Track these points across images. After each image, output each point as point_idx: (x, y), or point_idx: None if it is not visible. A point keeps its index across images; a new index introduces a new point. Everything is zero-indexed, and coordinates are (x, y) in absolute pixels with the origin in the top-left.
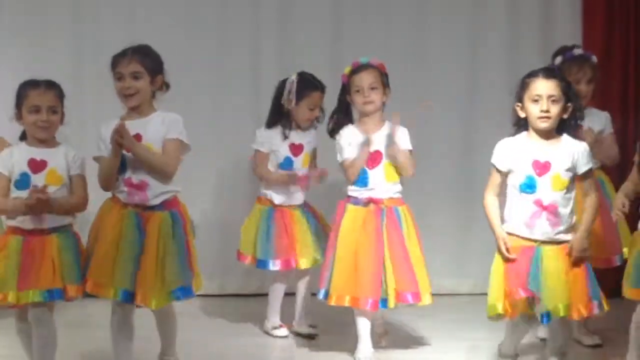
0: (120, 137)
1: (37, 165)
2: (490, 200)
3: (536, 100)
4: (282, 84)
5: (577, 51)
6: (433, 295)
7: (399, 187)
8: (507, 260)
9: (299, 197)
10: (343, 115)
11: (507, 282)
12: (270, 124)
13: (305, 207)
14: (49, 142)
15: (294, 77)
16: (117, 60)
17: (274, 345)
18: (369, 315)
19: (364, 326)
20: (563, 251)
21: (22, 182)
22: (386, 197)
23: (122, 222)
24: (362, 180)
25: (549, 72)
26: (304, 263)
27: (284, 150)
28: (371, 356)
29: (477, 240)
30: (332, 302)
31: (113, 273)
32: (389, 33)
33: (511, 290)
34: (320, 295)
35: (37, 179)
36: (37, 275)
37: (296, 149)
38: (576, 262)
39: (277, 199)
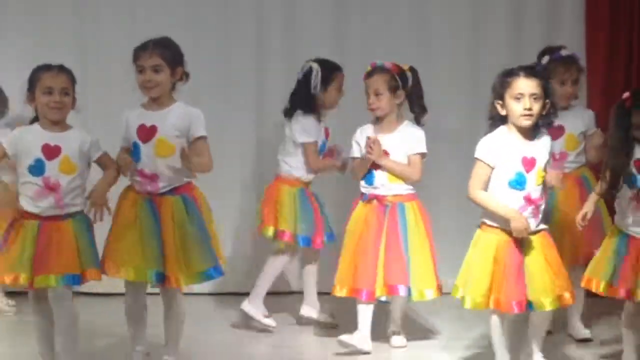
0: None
1: (51, 151)
2: (481, 193)
3: (518, 99)
4: (308, 75)
5: (565, 52)
6: None
7: (405, 186)
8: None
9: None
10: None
11: (498, 288)
12: (308, 113)
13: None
14: (61, 124)
15: (316, 66)
16: (138, 53)
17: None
18: (368, 306)
19: (362, 314)
20: (543, 239)
21: (37, 168)
22: (390, 194)
23: (136, 208)
24: (368, 179)
25: (530, 71)
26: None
27: (322, 137)
28: (365, 344)
29: None
30: (335, 292)
31: (139, 256)
32: (391, 31)
33: (504, 301)
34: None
35: (51, 166)
36: (56, 260)
37: (327, 133)
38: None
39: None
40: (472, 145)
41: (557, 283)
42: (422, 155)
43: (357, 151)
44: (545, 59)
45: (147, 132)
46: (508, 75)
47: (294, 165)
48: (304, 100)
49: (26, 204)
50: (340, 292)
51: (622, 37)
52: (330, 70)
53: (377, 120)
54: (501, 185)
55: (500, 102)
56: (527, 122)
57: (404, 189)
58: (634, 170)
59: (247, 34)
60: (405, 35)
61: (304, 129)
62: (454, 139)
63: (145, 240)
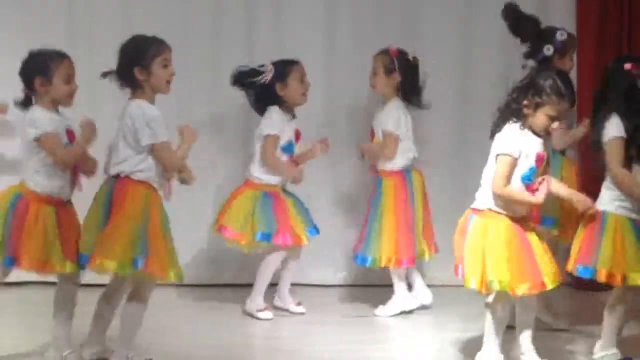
0: None
1: None
2: (509, 187)
3: (552, 118)
4: (253, 73)
5: (561, 37)
6: (429, 286)
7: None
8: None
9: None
10: None
11: (521, 271)
12: (272, 105)
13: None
14: None
15: (269, 65)
16: (160, 47)
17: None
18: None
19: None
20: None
21: None
22: (380, 169)
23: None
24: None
25: (574, 99)
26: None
27: (289, 135)
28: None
29: None
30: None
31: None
32: (381, 25)
33: (533, 281)
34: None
35: None
36: (74, 245)
37: (298, 134)
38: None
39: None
40: (461, 139)
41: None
42: (392, 134)
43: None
44: (549, 50)
45: None
46: (555, 92)
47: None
48: (264, 95)
49: (46, 188)
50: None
51: (612, 22)
52: (284, 64)
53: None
54: (514, 180)
55: (528, 102)
56: (547, 135)
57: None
58: None
59: (239, 27)
60: (395, 29)
61: (268, 121)
62: (445, 134)
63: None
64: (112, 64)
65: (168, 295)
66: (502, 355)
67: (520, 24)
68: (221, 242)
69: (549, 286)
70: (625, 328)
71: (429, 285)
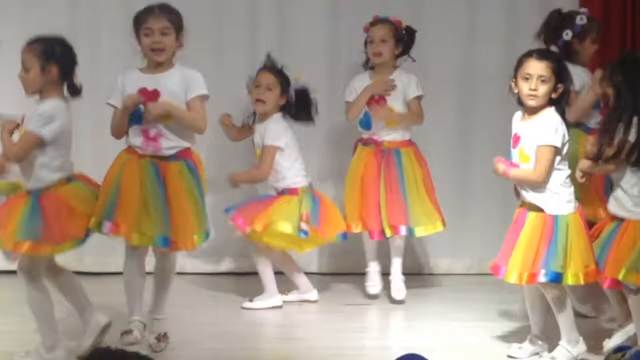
0: (149, 115)
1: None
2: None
3: (527, 79)
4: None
5: (580, 21)
6: (429, 275)
7: (402, 132)
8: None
9: None
10: None
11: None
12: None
13: None
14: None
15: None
16: (145, 17)
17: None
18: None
19: (370, 253)
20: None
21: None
22: (387, 139)
23: (142, 173)
24: (366, 124)
25: (542, 53)
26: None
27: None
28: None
29: (473, 221)
30: (352, 230)
31: (145, 221)
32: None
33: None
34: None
35: None
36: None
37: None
38: None
39: None
40: (464, 127)
41: None
42: (420, 97)
43: (351, 96)
44: (568, 34)
45: (149, 96)
46: (523, 56)
47: None
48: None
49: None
50: (356, 228)
51: (616, 6)
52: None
53: (374, 69)
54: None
55: (514, 80)
56: (531, 102)
57: (400, 135)
58: None
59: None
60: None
61: None
62: (447, 122)
63: (151, 204)
64: (114, 52)
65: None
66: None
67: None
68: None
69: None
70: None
71: (430, 274)
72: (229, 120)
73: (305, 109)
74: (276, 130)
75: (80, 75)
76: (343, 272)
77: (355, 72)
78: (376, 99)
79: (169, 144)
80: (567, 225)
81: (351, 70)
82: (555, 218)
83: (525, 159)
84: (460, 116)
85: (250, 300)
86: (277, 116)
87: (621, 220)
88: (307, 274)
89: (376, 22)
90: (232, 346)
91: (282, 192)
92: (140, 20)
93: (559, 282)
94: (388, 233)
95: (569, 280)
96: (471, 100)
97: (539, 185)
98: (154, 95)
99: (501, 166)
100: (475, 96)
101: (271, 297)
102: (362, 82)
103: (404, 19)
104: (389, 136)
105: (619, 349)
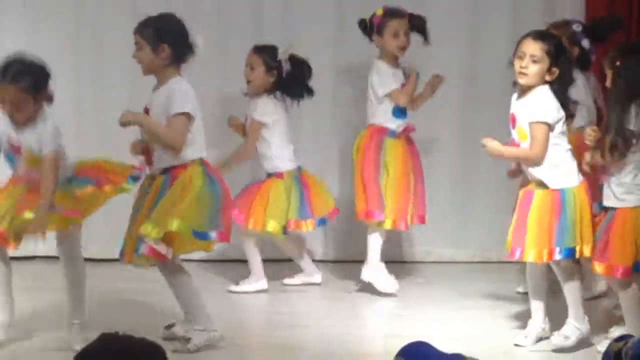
0: (123, 125)
1: None
2: None
3: (520, 57)
4: None
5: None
6: (432, 263)
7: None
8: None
9: None
10: None
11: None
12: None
13: None
14: None
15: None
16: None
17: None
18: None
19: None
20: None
21: None
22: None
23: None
24: (401, 112)
25: (539, 34)
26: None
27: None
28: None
29: (477, 210)
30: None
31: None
32: None
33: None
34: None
35: None
36: None
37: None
38: None
39: None
40: (467, 115)
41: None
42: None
43: (391, 84)
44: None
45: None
46: (522, 36)
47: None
48: None
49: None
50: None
51: (620, 4)
52: None
53: (385, 58)
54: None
55: (513, 59)
56: (521, 80)
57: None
58: None
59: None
60: None
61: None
62: (450, 109)
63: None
64: (118, 51)
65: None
66: None
67: None
68: None
69: None
70: None
71: (434, 262)
72: (236, 120)
73: (298, 82)
74: (263, 107)
75: (84, 78)
76: (348, 259)
77: (360, 67)
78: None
79: (160, 161)
80: (574, 197)
81: (356, 65)
82: (561, 192)
83: (524, 136)
84: (465, 107)
85: (237, 284)
86: (265, 95)
87: (614, 210)
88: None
89: (396, 14)
90: (237, 334)
91: (269, 175)
92: None
93: (573, 256)
94: (411, 222)
95: (585, 252)
96: (476, 92)
97: (537, 162)
98: (147, 112)
99: (494, 145)
100: (481, 87)
101: (258, 280)
102: (390, 69)
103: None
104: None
105: (621, 338)
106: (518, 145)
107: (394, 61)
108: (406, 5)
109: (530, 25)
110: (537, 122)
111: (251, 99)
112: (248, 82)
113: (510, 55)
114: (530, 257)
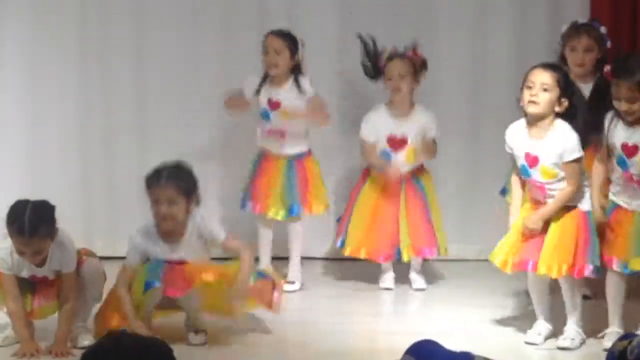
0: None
1: None
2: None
3: (529, 87)
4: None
5: (582, 21)
6: (439, 261)
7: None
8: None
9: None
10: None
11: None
12: None
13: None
14: None
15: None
16: (149, 183)
17: None
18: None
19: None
20: None
21: None
22: (405, 171)
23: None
24: (386, 156)
25: (547, 65)
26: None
27: (261, 103)
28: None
29: (483, 207)
30: (347, 253)
31: None
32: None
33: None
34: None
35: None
36: None
37: (271, 104)
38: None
39: None
40: (474, 115)
41: None
42: (434, 140)
43: (371, 135)
44: (563, 28)
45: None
46: (530, 69)
47: None
48: None
49: None
50: (355, 253)
51: (626, 4)
52: None
53: (391, 102)
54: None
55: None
56: (531, 109)
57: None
58: (623, 153)
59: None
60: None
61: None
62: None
63: None
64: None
65: None
66: None
67: None
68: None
69: None
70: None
71: (441, 260)
72: (233, 93)
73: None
74: (306, 85)
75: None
76: (354, 257)
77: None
78: (397, 140)
79: None
80: (593, 219)
81: (360, 74)
82: (588, 214)
83: (550, 175)
84: (471, 104)
85: None
86: (292, 78)
87: None
88: (317, 259)
89: (395, 56)
90: (246, 329)
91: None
92: (148, 186)
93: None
94: (406, 256)
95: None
96: (482, 88)
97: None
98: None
99: (536, 219)
100: (486, 86)
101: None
102: (380, 117)
103: (413, 17)
104: (406, 167)
105: (625, 337)
106: (538, 183)
107: (392, 103)
108: (412, 6)
109: (536, 25)
110: (575, 160)
111: (274, 84)
112: (274, 66)
113: (511, 55)
114: (544, 270)
